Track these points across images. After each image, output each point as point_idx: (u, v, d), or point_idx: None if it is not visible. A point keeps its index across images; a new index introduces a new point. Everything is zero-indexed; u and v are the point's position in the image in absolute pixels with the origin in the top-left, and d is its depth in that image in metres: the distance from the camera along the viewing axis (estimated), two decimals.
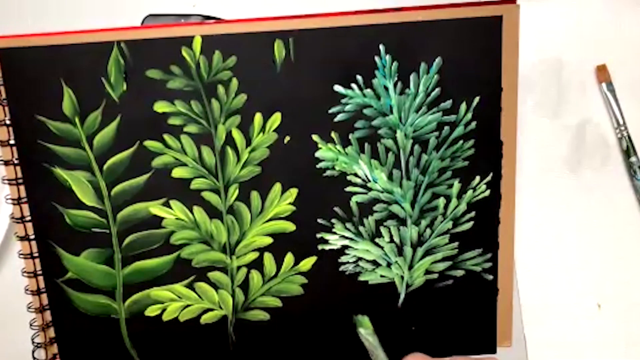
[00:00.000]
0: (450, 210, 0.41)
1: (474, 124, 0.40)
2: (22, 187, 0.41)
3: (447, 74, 0.39)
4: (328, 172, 0.40)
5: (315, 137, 0.40)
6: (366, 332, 0.39)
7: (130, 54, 0.39)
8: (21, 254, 0.41)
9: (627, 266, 0.44)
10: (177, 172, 0.40)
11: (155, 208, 0.41)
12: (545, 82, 0.43)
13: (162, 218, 0.41)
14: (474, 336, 0.42)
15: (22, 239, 0.41)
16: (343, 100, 0.39)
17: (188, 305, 0.42)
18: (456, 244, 0.41)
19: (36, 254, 0.41)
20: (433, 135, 0.40)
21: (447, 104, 0.39)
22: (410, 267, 0.42)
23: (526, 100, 0.43)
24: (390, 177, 0.40)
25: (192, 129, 0.40)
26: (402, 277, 0.42)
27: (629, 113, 0.42)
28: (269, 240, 0.41)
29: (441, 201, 0.41)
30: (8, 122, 0.40)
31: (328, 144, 0.40)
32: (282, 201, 0.41)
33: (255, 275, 0.42)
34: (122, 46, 0.39)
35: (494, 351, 0.43)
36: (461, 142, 0.40)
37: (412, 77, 0.39)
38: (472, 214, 0.41)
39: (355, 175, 0.40)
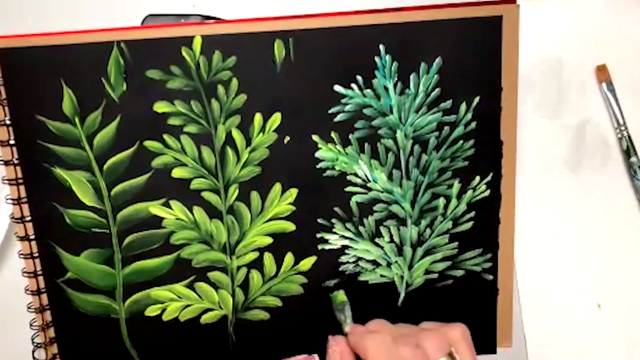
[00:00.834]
0: (450, 210, 0.41)
1: (474, 124, 0.40)
2: (22, 187, 0.41)
3: (447, 74, 0.39)
4: (328, 172, 0.40)
5: (315, 137, 0.40)
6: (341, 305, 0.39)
7: (130, 54, 0.39)
8: (21, 254, 0.41)
9: (627, 266, 0.44)
10: (177, 172, 0.40)
11: (155, 208, 0.41)
12: (545, 82, 0.43)
13: (162, 218, 0.41)
14: (474, 336, 0.42)
15: (22, 239, 0.41)
16: (343, 100, 0.39)
17: (188, 305, 0.42)
18: (456, 244, 0.41)
19: (36, 254, 0.41)
20: (433, 135, 0.40)
21: (447, 104, 0.39)
22: (410, 267, 0.42)
23: (526, 100, 0.43)
24: (390, 177, 0.40)
25: (192, 129, 0.40)
26: (402, 277, 0.42)
27: (629, 113, 0.42)
28: (269, 240, 0.41)
29: (441, 201, 0.41)
30: (8, 122, 0.40)
31: (328, 144, 0.40)
32: (282, 201, 0.41)
33: (255, 275, 0.42)
34: (122, 46, 0.39)
35: (494, 351, 0.43)
36: (461, 142, 0.40)
37: (412, 77, 0.39)
38: (472, 214, 0.41)
39: (355, 175, 0.40)
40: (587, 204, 0.43)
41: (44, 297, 0.42)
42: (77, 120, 0.40)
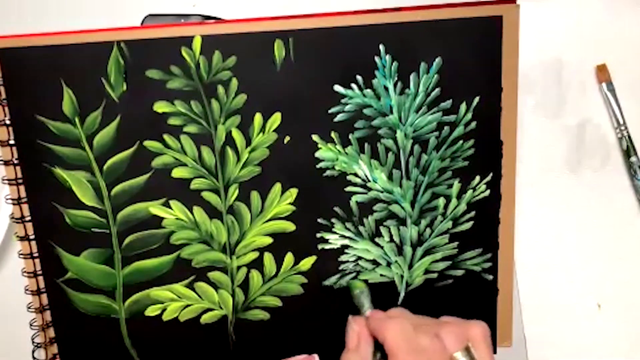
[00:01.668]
0: (450, 210, 0.41)
1: (474, 124, 0.40)
2: (22, 187, 0.41)
3: (447, 74, 0.39)
4: (328, 172, 0.40)
5: (315, 137, 0.40)
6: (360, 291, 0.39)
7: (130, 54, 0.39)
8: (21, 254, 0.41)
9: (627, 266, 0.44)
10: (177, 172, 0.40)
11: (155, 208, 0.41)
12: (545, 82, 0.43)
13: (162, 218, 0.41)
14: None
15: (22, 239, 0.41)
16: (343, 100, 0.39)
17: (188, 305, 0.42)
18: (456, 243, 0.41)
19: (36, 254, 0.41)
20: (433, 135, 0.40)
21: (447, 104, 0.39)
22: (410, 267, 0.42)
23: (526, 100, 0.43)
24: (390, 177, 0.40)
25: (192, 129, 0.40)
26: (402, 277, 0.42)
27: (629, 113, 0.42)
28: (269, 240, 0.41)
29: (441, 201, 0.41)
30: (8, 122, 0.40)
31: (328, 144, 0.40)
32: (282, 201, 0.41)
33: (255, 275, 0.42)
34: (122, 46, 0.39)
35: (494, 351, 0.43)
36: (461, 142, 0.40)
37: (412, 77, 0.39)
38: (472, 213, 0.41)
39: (355, 175, 0.40)
40: (587, 204, 0.43)
41: (44, 297, 0.42)
42: (77, 120, 0.40)
